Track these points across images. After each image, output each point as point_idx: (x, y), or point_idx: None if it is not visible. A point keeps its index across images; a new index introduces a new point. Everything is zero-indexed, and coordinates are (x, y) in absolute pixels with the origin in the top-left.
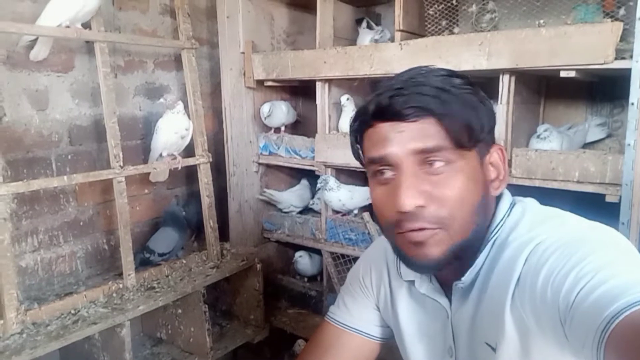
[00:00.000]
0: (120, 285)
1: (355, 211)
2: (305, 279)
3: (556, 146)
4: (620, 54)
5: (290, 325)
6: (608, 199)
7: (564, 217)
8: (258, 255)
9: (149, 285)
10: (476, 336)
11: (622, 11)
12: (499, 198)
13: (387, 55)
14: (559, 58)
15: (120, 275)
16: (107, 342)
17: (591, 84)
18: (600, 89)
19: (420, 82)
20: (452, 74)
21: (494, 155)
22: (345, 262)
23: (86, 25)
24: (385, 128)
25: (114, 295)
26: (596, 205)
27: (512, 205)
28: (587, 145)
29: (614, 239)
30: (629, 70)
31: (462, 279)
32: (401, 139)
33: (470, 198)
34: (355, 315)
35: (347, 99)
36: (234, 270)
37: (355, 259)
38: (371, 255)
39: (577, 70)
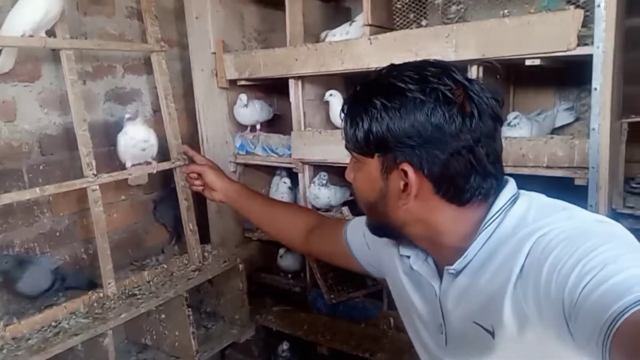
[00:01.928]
0: (101, 295)
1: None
2: (289, 276)
3: (526, 133)
4: (582, 40)
5: (275, 322)
6: (577, 182)
7: (570, 210)
8: (240, 256)
9: (130, 293)
10: (464, 316)
11: None
12: (500, 190)
13: (358, 50)
14: (524, 47)
15: (100, 284)
16: (91, 352)
17: (559, 70)
18: (567, 75)
19: (362, 94)
20: (392, 88)
21: (394, 172)
22: None
23: (51, 33)
24: None
25: (95, 304)
26: (567, 189)
27: (516, 197)
28: (556, 130)
29: (619, 234)
30: (591, 56)
31: (453, 265)
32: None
33: (364, 195)
34: (362, 245)
35: (331, 94)
36: (216, 272)
37: None
38: None
39: (541, 58)
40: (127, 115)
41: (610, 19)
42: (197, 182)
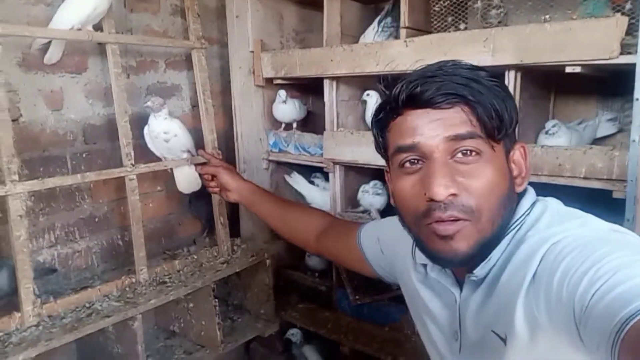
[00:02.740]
0: (133, 280)
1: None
2: (316, 274)
3: (564, 142)
4: (626, 49)
5: (300, 319)
6: (615, 195)
7: (584, 218)
8: (268, 251)
9: (160, 280)
10: (483, 324)
11: (628, 5)
12: (521, 195)
13: (393, 52)
14: (564, 53)
15: (133, 270)
16: (121, 334)
17: (602, 79)
18: (611, 84)
19: (450, 72)
20: (477, 67)
21: (517, 153)
22: None
23: (98, 27)
24: (416, 116)
25: (127, 289)
26: (604, 202)
27: (534, 203)
28: (597, 141)
29: (633, 242)
30: (634, 65)
31: (475, 272)
32: (433, 127)
33: (497, 190)
34: (375, 251)
35: (368, 94)
36: (243, 265)
37: None
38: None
39: (582, 65)
40: (147, 104)
41: None
42: (213, 184)
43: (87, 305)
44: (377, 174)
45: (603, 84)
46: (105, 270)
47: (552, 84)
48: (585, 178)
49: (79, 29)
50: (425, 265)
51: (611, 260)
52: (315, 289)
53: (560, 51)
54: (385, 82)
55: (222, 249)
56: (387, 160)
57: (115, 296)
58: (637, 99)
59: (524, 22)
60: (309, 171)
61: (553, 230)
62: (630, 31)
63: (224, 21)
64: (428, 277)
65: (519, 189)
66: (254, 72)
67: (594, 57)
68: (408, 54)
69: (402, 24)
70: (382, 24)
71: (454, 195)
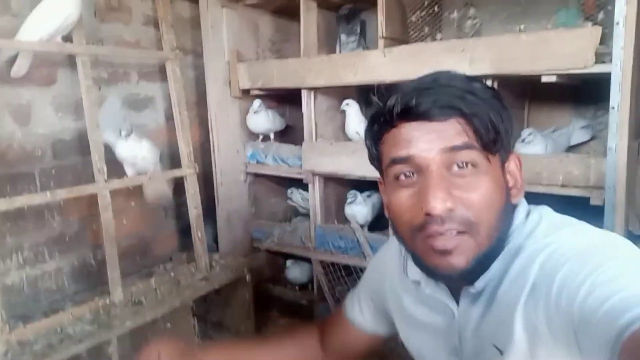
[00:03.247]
0: (107, 301)
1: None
2: (297, 287)
3: (540, 150)
4: (600, 58)
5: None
6: (593, 202)
7: (579, 226)
8: (248, 265)
9: (136, 300)
10: (483, 337)
11: (601, 15)
12: (515, 206)
13: (371, 62)
14: (540, 63)
15: (107, 290)
16: (95, 359)
17: (575, 87)
18: (584, 92)
19: (445, 83)
20: (472, 78)
21: (512, 164)
22: (335, 270)
23: (67, 38)
24: (411, 128)
25: (101, 311)
26: (581, 209)
27: (528, 212)
28: (571, 148)
29: (629, 249)
30: (609, 74)
31: (475, 284)
32: (429, 139)
33: (495, 203)
34: (365, 314)
35: (347, 104)
36: (223, 282)
37: (345, 267)
38: (386, 252)
39: (558, 75)
40: (122, 132)
41: (630, 37)
42: None
43: (59, 330)
44: (356, 184)
45: (576, 92)
46: (77, 291)
47: (527, 93)
48: (563, 186)
49: (48, 40)
50: (418, 282)
51: (609, 267)
52: (297, 304)
53: (536, 61)
54: (379, 93)
55: (201, 265)
56: (380, 172)
57: (88, 319)
58: (613, 107)
59: (499, 32)
60: (288, 183)
61: (550, 239)
62: (603, 40)
63: (198, 31)
64: (422, 295)
65: (514, 200)
66: (230, 83)
67: (570, 67)
68: (386, 64)
69: (379, 34)
70: (348, 28)
71: (451, 209)
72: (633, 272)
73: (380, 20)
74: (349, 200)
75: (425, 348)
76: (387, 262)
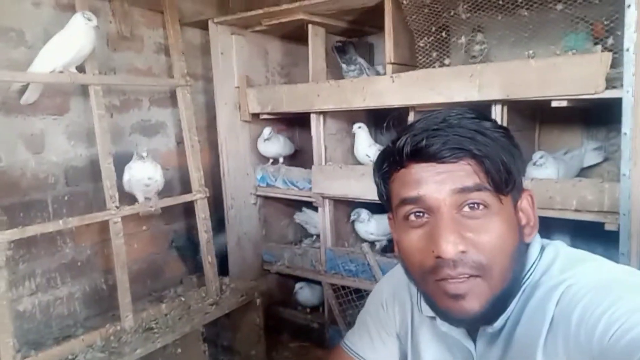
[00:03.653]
0: (118, 328)
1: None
2: (308, 310)
3: (552, 173)
4: (610, 83)
5: (292, 359)
6: (607, 227)
7: (596, 261)
8: (258, 289)
9: (147, 326)
10: None
11: (610, 40)
12: (528, 244)
13: (379, 87)
14: (550, 89)
15: (118, 316)
16: None
17: (586, 109)
18: (595, 113)
19: (455, 123)
20: (482, 117)
21: (524, 202)
22: (346, 293)
23: (80, 68)
24: (421, 169)
25: (112, 338)
26: (596, 235)
27: (542, 248)
28: (584, 170)
29: None
30: (620, 99)
31: (494, 324)
32: (439, 180)
33: (508, 244)
34: (376, 346)
35: (359, 127)
36: (233, 306)
37: (356, 290)
38: (395, 281)
39: (568, 100)
40: (142, 154)
41: None
42: None
43: (70, 357)
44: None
45: (587, 113)
46: (88, 316)
47: (537, 115)
48: (576, 210)
49: (61, 72)
50: (434, 318)
51: (625, 303)
52: (307, 327)
53: (546, 86)
54: (390, 121)
55: (211, 289)
56: (390, 210)
57: (99, 346)
58: (625, 133)
59: (507, 57)
60: (299, 206)
61: (567, 275)
62: (613, 65)
63: (208, 57)
64: (438, 332)
65: (528, 239)
66: (239, 108)
67: (580, 92)
68: (395, 90)
69: (387, 60)
70: (345, 59)
71: (463, 252)
72: None
73: (388, 46)
74: (352, 218)
75: None
76: (399, 285)
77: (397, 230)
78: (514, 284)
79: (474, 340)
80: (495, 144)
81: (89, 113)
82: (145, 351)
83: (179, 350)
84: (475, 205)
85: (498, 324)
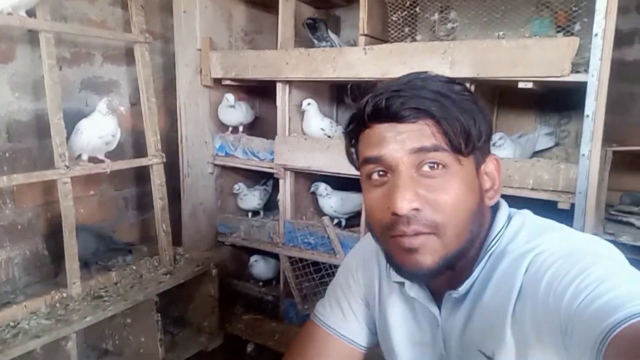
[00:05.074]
0: (64, 295)
1: (343, 220)
2: (260, 284)
3: (510, 154)
4: (575, 68)
5: (245, 331)
6: (560, 205)
7: (562, 230)
8: (213, 260)
9: (95, 294)
10: (468, 344)
11: (577, 27)
12: (496, 209)
13: (351, 59)
14: (519, 69)
15: (63, 283)
16: (51, 356)
17: (541, 95)
18: (549, 100)
19: (418, 85)
20: (450, 80)
21: (489, 165)
22: (304, 266)
23: (30, 13)
24: (382, 129)
25: (57, 305)
26: (548, 212)
27: (510, 216)
28: (536, 154)
29: (613, 252)
30: (585, 83)
31: (458, 289)
32: (399, 140)
33: (465, 204)
34: (348, 318)
35: (309, 104)
36: (188, 276)
37: (314, 263)
38: (364, 250)
39: (534, 82)
40: (103, 103)
41: (607, 48)
42: None
43: (12, 324)
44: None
45: (541, 100)
46: (28, 283)
47: (496, 98)
48: (532, 189)
49: (10, 13)
50: (402, 283)
51: (593, 272)
52: (261, 299)
53: (515, 67)
54: (353, 94)
55: (164, 259)
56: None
57: (44, 313)
58: (588, 115)
59: (478, 37)
60: (257, 177)
61: (535, 243)
62: (578, 51)
63: (168, 15)
64: (407, 300)
65: (490, 202)
66: (201, 72)
67: (547, 74)
68: (367, 62)
69: (360, 31)
70: (316, 36)
71: (417, 209)
72: (619, 274)
73: (362, 17)
74: (312, 189)
75: (410, 358)
76: (368, 254)
77: (363, 191)
78: (470, 244)
79: (440, 308)
80: (457, 107)
81: (36, 63)
82: (96, 319)
83: (129, 320)
84: (434, 165)
85: (463, 288)
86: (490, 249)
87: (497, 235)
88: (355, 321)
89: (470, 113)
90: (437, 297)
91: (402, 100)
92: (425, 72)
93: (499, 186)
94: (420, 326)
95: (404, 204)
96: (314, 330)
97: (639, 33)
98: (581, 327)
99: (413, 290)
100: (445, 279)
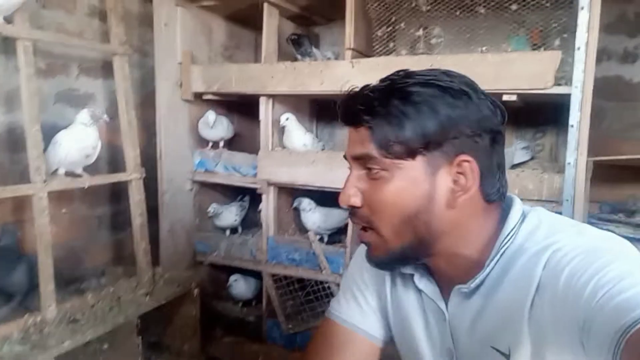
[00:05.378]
0: (39, 319)
1: (326, 236)
2: (240, 304)
3: None
4: (557, 81)
5: (227, 354)
6: None
7: (580, 227)
8: (194, 279)
9: (71, 318)
10: (479, 339)
11: (557, 41)
12: (509, 206)
13: (338, 72)
14: (503, 82)
15: (37, 306)
16: None
17: (518, 110)
18: (524, 115)
19: (366, 92)
20: (406, 83)
21: (454, 169)
22: (288, 283)
23: (8, 20)
24: (348, 130)
25: (31, 329)
26: None
27: (524, 213)
28: (513, 167)
29: (629, 250)
30: (568, 95)
31: (467, 283)
32: (349, 143)
33: (399, 207)
34: (365, 310)
35: (287, 119)
36: (169, 296)
37: (299, 280)
38: None
39: (518, 94)
40: (86, 113)
41: (590, 61)
42: None
43: None
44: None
45: (517, 115)
46: None
47: None
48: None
49: None
50: (412, 275)
51: (615, 268)
52: (243, 320)
53: (500, 80)
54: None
55: (143, 279)
56: None
57: (17, 338)
58: (572, 125)
59: (462, 53)
60: (236, 194)
61: (553, 239)
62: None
63: (146, 29)
64: (416, 292)
65: (453, 204)
66: (181, 86)
67: (531, 87)
68: (354, 75)
69: (347, 45)
70: (300, 51)
71: (356, 206)
72: (636, 273)
73: (349, 31)
74: (294, 204)
75: (421, 352)
76: None
77: None
78: (422, 242)
79: (446, 302)
80: (390, 113)
81: (10, 73)
82: (74, 344)
83: (106, 345)
84: (372, 168)
85: (473, 284)
86: (504, 245)
87: (511, 232)
88: (372, 314)
89: (410, 118)
90: (445, 292)
91: (346, 107)
92: (391, 76)
93: (467, 189)
94: (428, 317)
95: (343, 197)
96: (332, 327)
97: (607, 52)
98: (600, 323)
99: (422, 282)
100: (456, 272)
